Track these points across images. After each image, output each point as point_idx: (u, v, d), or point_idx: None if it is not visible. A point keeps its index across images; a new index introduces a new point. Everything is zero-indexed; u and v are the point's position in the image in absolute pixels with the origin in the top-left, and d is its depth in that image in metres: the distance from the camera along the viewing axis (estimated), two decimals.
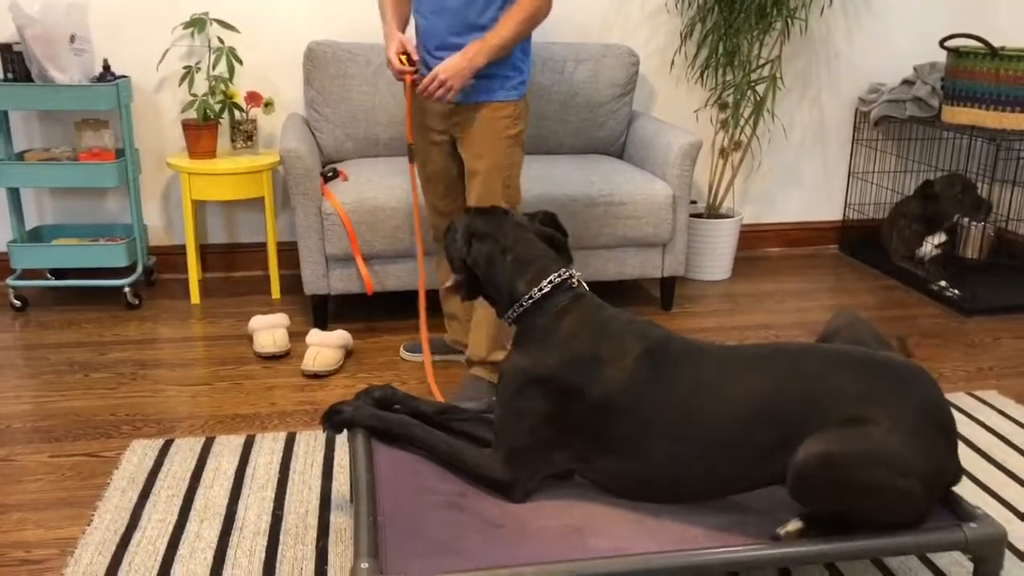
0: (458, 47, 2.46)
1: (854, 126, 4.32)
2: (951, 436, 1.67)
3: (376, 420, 1.97)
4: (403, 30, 2.63)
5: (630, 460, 1.74)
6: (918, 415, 1.62)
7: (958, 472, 1.74)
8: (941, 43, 3.83)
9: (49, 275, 3.66)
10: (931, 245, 3.95)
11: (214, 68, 3.52)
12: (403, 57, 2.56)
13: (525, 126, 2.68)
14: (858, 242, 4.37)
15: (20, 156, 3.47)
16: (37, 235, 3.63)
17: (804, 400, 1.63)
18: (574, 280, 1.88)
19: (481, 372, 2.74)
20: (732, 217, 3.97)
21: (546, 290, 1.85)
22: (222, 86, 3.50)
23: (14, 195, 3.53)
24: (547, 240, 1.97)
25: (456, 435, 1.95)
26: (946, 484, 1.71)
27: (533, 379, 1.77)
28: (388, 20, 2.63)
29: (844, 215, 4.45)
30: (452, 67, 2.43)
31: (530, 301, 1.85)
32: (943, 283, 3.75)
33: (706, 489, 1.75)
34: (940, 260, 3.95)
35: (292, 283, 3.74)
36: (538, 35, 3.88)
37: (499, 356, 2.67)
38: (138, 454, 2.41)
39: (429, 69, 2.52)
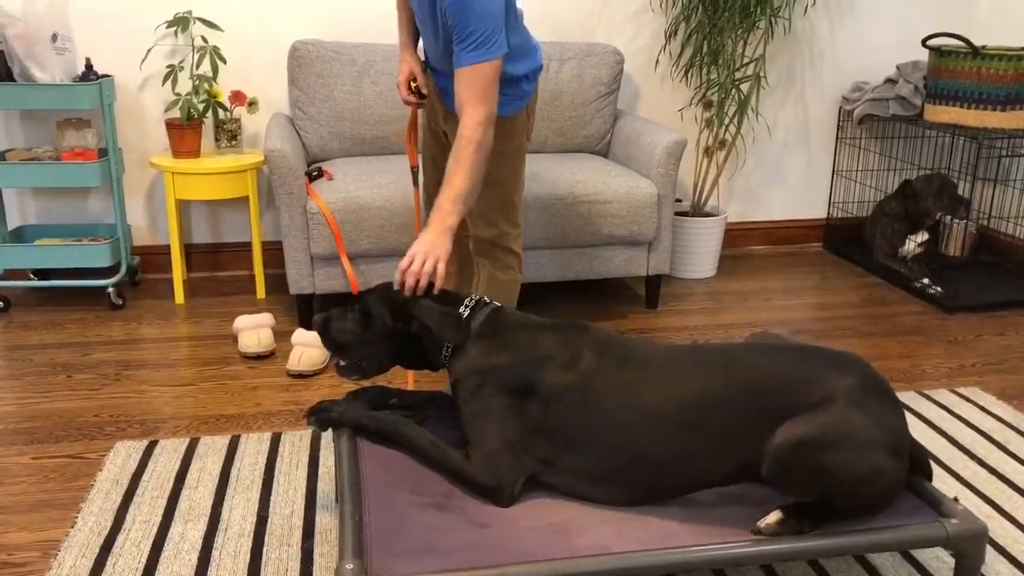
0: (449, 79, 2.36)
1: (838, 125, 4.35)
2: (897, 403, 1.73)
3: (366, 419, 1.97)
4: (416, 44, 2.55)
5: (589, 455, 1.76)
6: (863, 389, 1.68)
7: (914, 444, 1.83)
8: (923, 42, 3.86)
9: (32, 275, 3.64)
10: (913, 243, 3.98)
11: (198, 67, 3.51)
12: (413, 84, 2.50)
13: (524, 139, 2.52)
14: (842, 240, 4.40)
15: (2, 156, 3.44)
16: (20, 235, 3.61)
17: (754, 389, 1.70)
18: (486, 298, 1.99)
19: None
20: (717, 215, 3.98)
21: (466, 314, 1.93)
22: (206, 85, 3.49)
23: None
24: None
25: (453, 424, 1.97)
26: (908, 453, 1.75)
27: (487, 377, 1.81)
28: (401, 35, 2.54)
29: (828, 213, 4.47)
30: (426, 243, 2.05)
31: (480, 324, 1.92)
32: (926, 280, 3.78)
33: (669, 483, 1.76)
34: (922, 258, 3.98)
35: (277, 282, 3.73)
36: None
37: None
38: (122, 455, 2.40)
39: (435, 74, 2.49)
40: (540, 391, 1.78)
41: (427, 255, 2.01)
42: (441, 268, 2.01)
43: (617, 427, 1.74)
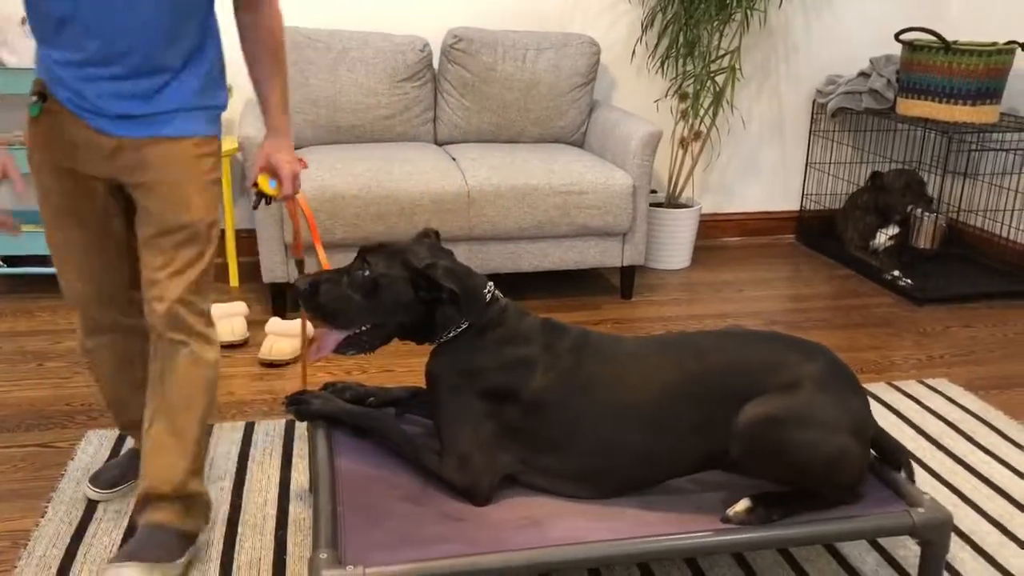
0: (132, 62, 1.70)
1: (811, 117, 4.38)
2: (861, 390, 1.78)
3: (343, 414, 1.96)
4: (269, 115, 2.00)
5: (567, 454, 1.77)
6: (830, 376, 1.73)
7: (889, 438, 1.89)
8: (896, 36, 3.89)
9: (1, 262, 3.59)
10: (885, 236, 4.02)
11: None
12: (264, 180, 2.02)
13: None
14: (815, 232, 4.44)
15: None
16: None
17: (724, 376, 1.73)
18: (495, 292, 1.89)
19: (168, 516, 1.85)
20: (692, 207, 4.00)
21: (501, 300, 1.88)
22: None
23: None
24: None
25: (429, 419, 1.96)
26: (870, 440, 1.79)
27: (467, 378, 1.79)
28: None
29: (801, 205, 4.51)
30: (291, 160, 1.97)
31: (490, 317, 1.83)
32: (896, 273, 3.82)
33: (643, 474, 1.78)
34: (893, 250, 4.02)
35: (251, 271, 3.71)
36: (499, 23, 3.89)
37: (201, 486, 1.91)
38: (93, 444, 2.38)
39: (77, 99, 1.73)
40: (520, 397, 1.77)
41: (295, 176, 1.98)
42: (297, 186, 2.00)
43: (592, 425, 1.75)
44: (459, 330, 1.83)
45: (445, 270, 1.78)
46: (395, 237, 3.22)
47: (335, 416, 1.96)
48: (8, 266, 3.57)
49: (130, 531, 1.99)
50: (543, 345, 1.81)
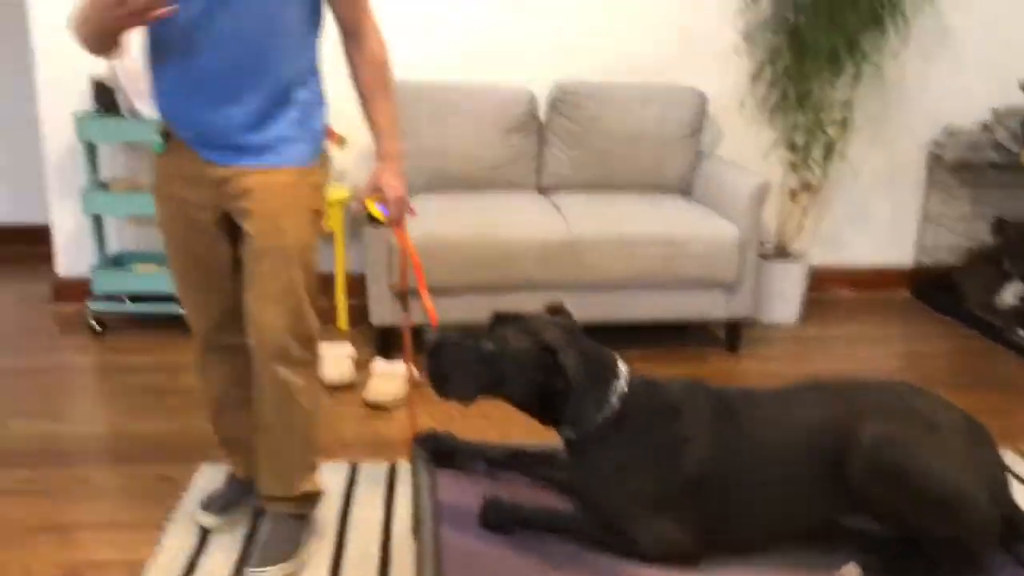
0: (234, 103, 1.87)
1: (927, 169, 4.24)
2: (998, 453, 1.69)
3: (521, 522, 1.77)
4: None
5: (712, 522, 1.69)
6: (969, 428, 1.67)
7: (1011, 498, 1.71)
8: (1021, 85, 3.75)
9: (126, 300, 3.77)
10: (1010, 294, 3.84)
11: None
12: (371, 203, 2.13)
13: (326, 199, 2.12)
14: (931, 287, 4.26)
15: (105, 185, 3.60)
16: (118, 261, 3.76)
17: (858, 415, 1.65)
18: (622, 367, 1.75)
19: (286, 509, 2.12)
20: (801, 258, 3.91)
21: (625, 388, 1.71)
22: None
23: (98, 222, 3.66)
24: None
25: (536, 480, 1.89)
26: (1002, 506, 1.65)
27: (625, 474, 1.70)
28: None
29: (917, 259, 4.35)
30: (400, 188, 2.07)
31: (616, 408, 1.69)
32: (1022, 333, 3.63)
33: (776, 531, 1.72)
34: (1020, 310, 3.83)
35: (358, 313, 3.79)
36: (604, 75, 3.92)
37: (313, 484, 2.14)
38: (207, 478, 2.46)
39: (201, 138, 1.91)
40: (678, 476, 1.68)
41: (405, 203, 2.08)
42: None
43: (737, 489, 1.68)
44: (598, 423, 1.69)
45: (575, 355, 1.64)
46: (500, 283, 3.25)
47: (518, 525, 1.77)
48: (132, 303, 3.75)
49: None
50: (690, 420, 1.70)
